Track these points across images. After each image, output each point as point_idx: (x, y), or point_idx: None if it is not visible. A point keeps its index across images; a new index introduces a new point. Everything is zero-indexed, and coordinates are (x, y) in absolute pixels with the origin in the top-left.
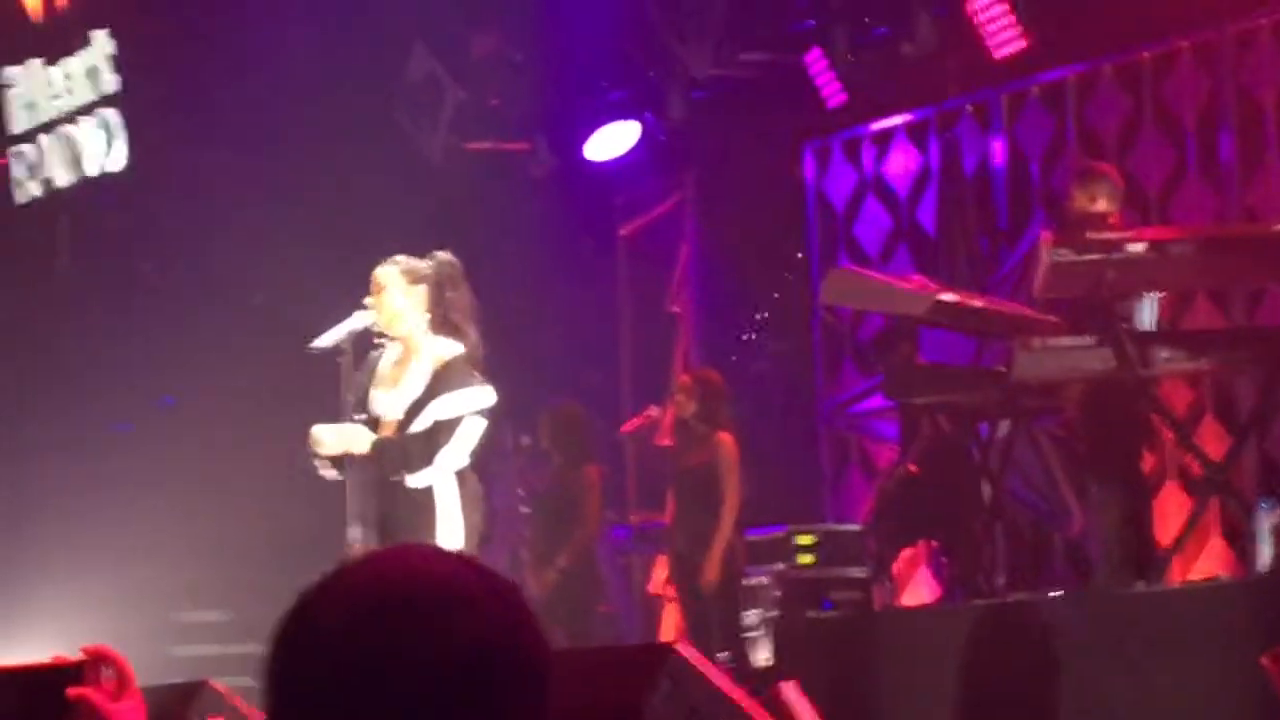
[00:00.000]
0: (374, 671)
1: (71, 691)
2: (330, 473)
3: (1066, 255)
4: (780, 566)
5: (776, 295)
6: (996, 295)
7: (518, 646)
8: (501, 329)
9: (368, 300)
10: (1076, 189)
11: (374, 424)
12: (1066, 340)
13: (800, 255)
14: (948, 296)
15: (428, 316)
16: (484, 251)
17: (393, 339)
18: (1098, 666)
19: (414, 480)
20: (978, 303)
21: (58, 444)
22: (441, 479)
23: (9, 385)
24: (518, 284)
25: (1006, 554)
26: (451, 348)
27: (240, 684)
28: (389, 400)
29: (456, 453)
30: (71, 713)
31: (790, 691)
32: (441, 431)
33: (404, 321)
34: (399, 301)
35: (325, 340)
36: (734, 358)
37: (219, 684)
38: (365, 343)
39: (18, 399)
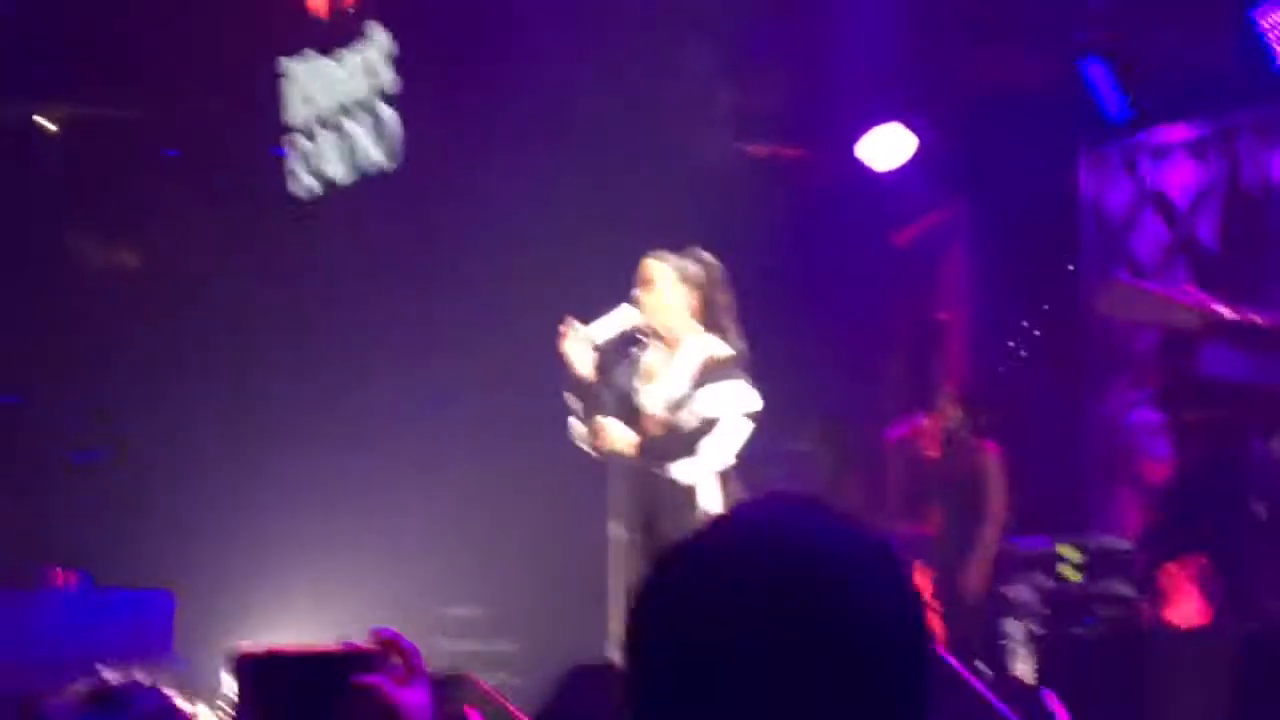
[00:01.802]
0: (765, 648)
1: (359, 679)
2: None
3: None
4: (1041, 578)
5: (1046, 307)
6: (1276, 312)
7: (906, 624)
8: (770, 333)
9: (635, 293)
10: None
11: (636, 417)
12: None
13: (1071, 268)
14: (1226, 311)
15: (697, 320)
16: (756, 255)
17: (657, 337)
18: None
19: (676, 472)
20: (1257, 318)
21: (321, 434)
22: (704, 477)
23: (277, 376)
24: (788, 289)
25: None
26: (721, 347)
27: (495, 680)
28: (652, 393)
29: (720, 448)
30: (357, 698)
31: (1052, 700)
32: (705, 426)
33: (673, 318)
34: (669, 298)
35: (595, 332)
36: (1001, 368)
37: (479, 679)
38: (629, 338)
39: (280, 390)
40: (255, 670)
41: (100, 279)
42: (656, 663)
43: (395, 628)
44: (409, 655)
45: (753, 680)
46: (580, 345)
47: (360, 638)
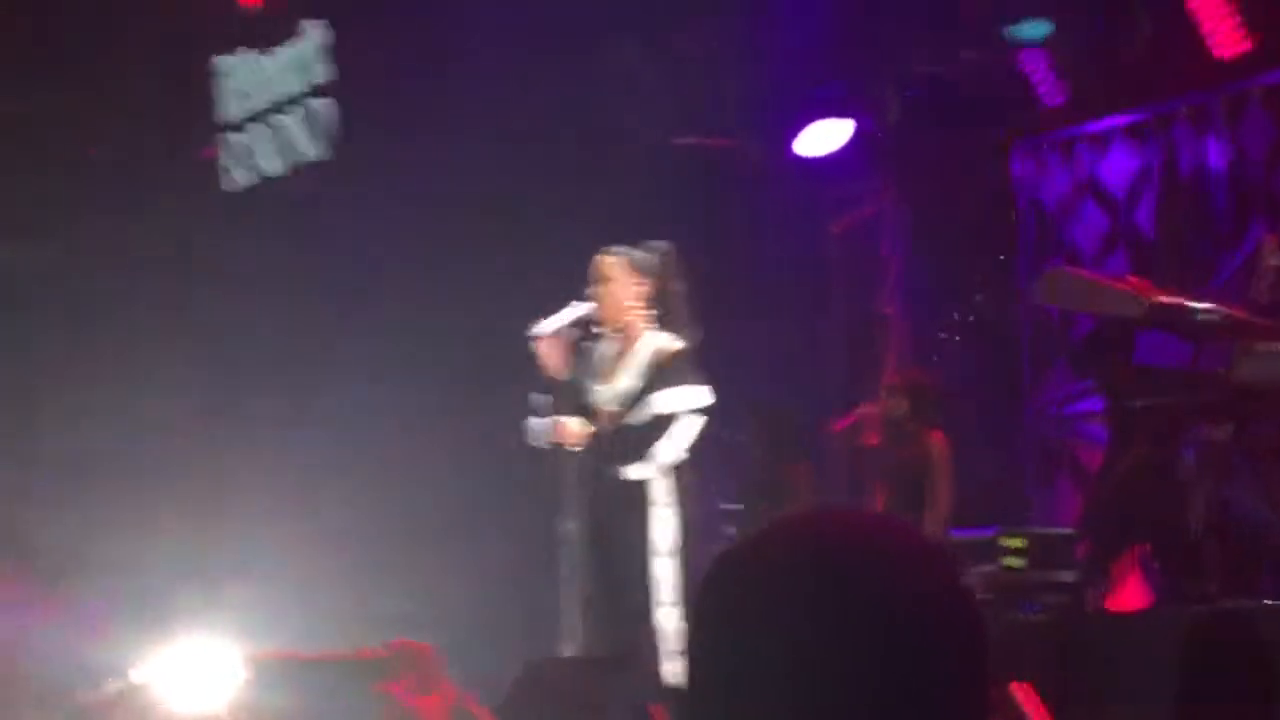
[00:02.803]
0: (815, 614)
1: (377, 686)
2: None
3: None
4: (986, 568)
5: (978, 298)
6: (1215, 299)
7: (958, 609)
8: (709, 325)
9: (591, 289)
10: None
11: (590, 415)
12: None
13: (1001, 257)
14: (1167, 298)
15: (651, 310)
16: (691, 247)
17: (612, 330)
18: None
19: (629, 473)
20: (1196, 305)
21: (253, 434)
22: (656, 473)
23: (210, 375)
24: (725, 280)
25: (1220, 561)
26: (673, 342)
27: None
28: (607, 392)
29: (673, 448)
30: (378, 703)
31: (1023, 692)
32: (659, 426)
33: (627, 313)
34: (623, 293)
35: (545, 328)
36: (934, 358)
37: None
38: (582, 333)
39: (216, 389)
40: (271, 673)
41: (22, 283)
42: (720, 658)
43: (328, 625)
44: (425, 663)
45: (814, 676)
46: (554, 346)
47: (297, 637)
